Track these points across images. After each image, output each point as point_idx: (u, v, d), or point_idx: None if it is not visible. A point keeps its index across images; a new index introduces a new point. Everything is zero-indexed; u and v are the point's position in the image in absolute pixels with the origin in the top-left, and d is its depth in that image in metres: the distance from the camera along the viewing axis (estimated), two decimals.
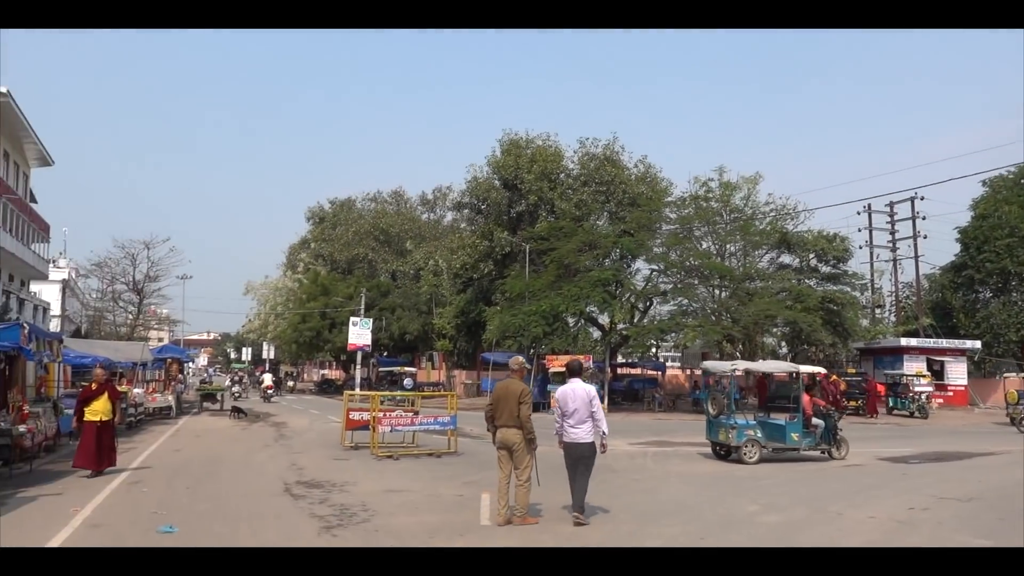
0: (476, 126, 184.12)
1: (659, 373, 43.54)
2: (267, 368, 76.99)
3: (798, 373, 16.13)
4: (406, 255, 59.81)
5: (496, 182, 40.64)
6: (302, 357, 69.33)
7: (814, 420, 15.76)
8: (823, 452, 15.94)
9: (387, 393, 21.56)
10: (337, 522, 9.07)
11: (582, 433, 9.41)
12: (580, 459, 9.49)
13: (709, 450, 16.76)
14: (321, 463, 14.76)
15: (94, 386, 13.09)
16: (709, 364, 18.33)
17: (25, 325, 14.20)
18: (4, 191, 37.10)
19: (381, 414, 15.72)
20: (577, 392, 9.46)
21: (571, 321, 36.65)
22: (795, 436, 15.49)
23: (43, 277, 48.44)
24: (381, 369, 45.60)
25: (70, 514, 9.56)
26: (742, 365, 16.88)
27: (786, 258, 38.21)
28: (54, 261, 55.07)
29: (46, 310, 49.26)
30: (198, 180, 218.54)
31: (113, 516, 9.48)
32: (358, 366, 48.25)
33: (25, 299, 43.84)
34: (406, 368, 43.28)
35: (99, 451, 12.78)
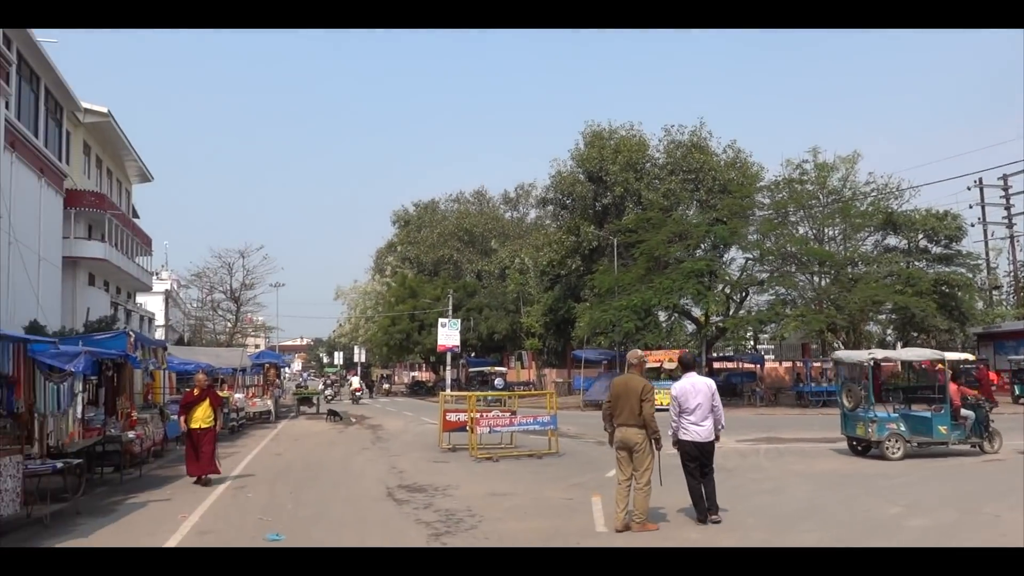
0: (557, 120, 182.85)
1: (757, 366, 41.80)
2: (357, 371, 78.71)
3: (944, 360, 14.80)
4: (491, 254, 59.73)
5: (580, 176, 39.87)
6: (392, 359, 70.27)
7: (963, 411, 14.45)
8: (973, 446, 14.59)
9: (484, 393, 21.18)
10: (445, 529, 8.63)
11: (705, 430, 8.72)
12: (701, 458, 8.81)
13: (834, 447, 15.69)
14: (420, 466, 14.45)
15: (196, 392, 12.88)
16: (842, 354, 17.12)
17: (131, 333, 14.43)
18: (109, 208, 38.69)
19: (479, 415, 15.29)
20: (698, 387, 8.77)
21: (663, 315, 35.60)
22: (943, 429, 14.21)
23: (147, 289, 50.48)
24: (471, 370, 45.53)
25: (178, 520, 9.47)
26: (880, 354, 15.60)
27: (892, 240, 35.94)
28: (157, 274, 57.57)
29: (151, 320, 51.43)
30: (288, 189, 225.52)
31: (220, 522, 9.33)
32: (448, 367, 48.33)
33: (132, 310, 45.83)
34: (496, 368, 43.07)
35: (200, 458, 12.49)
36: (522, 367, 53.75)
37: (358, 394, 44.14)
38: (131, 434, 13.51)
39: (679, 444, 8.85)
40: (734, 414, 28.43)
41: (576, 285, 42.18)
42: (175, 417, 18.75)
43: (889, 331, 42.17)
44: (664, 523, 8.74)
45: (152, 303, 57.96)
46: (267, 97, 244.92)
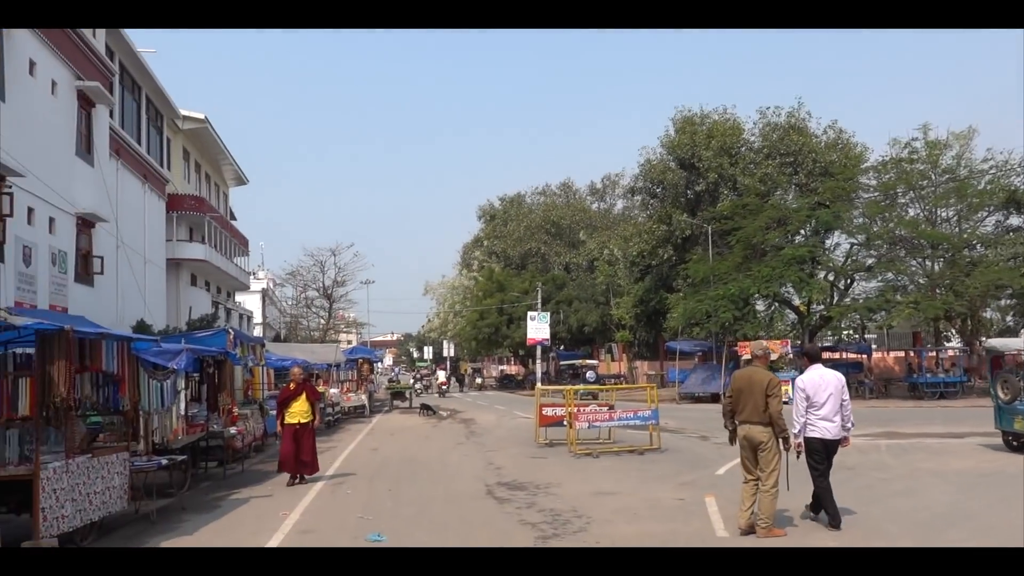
0: (642, 110, 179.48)
1: (864, 356, 39.69)
2: (446, 366, 79.41)
3: None
4: (578, 246, 58.98)
5: (671, 163, 38.70)
6: (481, 353, 70.49)
7: None
8: None
9: (583, 387, 20.63)
10: (552, 531, 8.13)
11: (834, 427, 7.94)
12: (828, 456, 8.05)
13: (964, 442, 14.42)
14: (518, 462, 14.03)
15: (292, 386, 12.38)
16: (997, 343, 15.77)
17: (231, 331, 14.56)
18: (208, 210, 39.96)
19: (577, 409, 14.74)
20: (827, 379, 7.99)
21: (761, 305, 34.17)
22: None
23: (245, 288, 52.10)
24: (562, 363, 44.99)
25: (280, 518, 9.33)
26: None
27: (1015, 219, 33.32)
28: (254, 273, 59.47)
29: (249, 318, 53.10)
30: (376, 187, 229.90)
31: (321, 521, 9.13)
32: (538, 360, 47.96)
33: (231, 308, 47.38)
34: (588, 361, 42.39)
35: (298, 456, 12.00)
36: (612, 360, 52.87)
37: (443, 387, 45.16)
38: (233, 430, 13.61)
39: (806, 441, 8.08)
40: None
41: (668, 275, 41.04)
42: (273, 412, 19.02)
43: (1009, 317, 39.32)
44: (792, 528, 7.99)
45: (250, 302, 59.95)
46: (351, 97, 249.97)
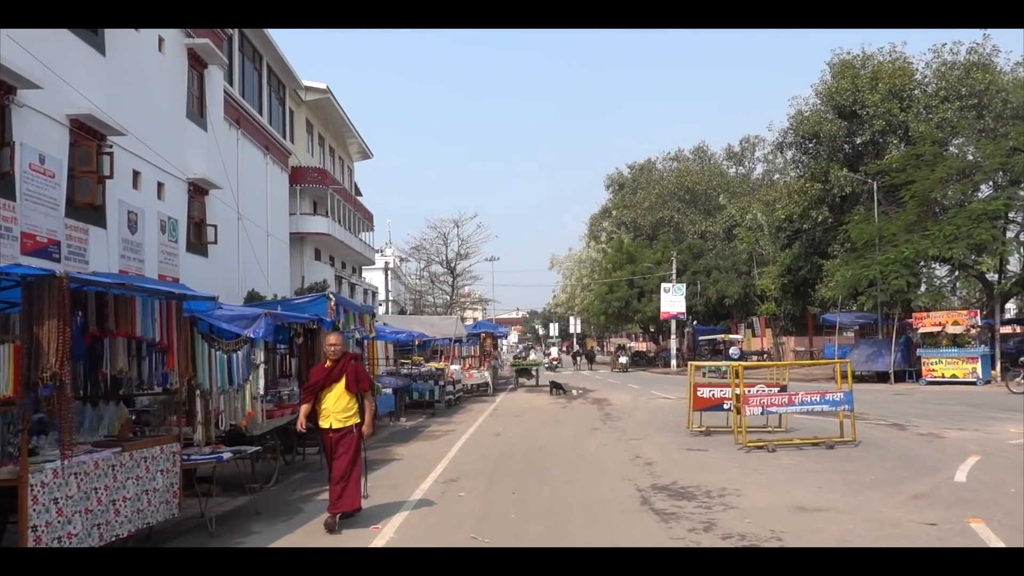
0: (783, 70, 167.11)
1: None
2: (573, 343, 77.01)
3: None
4: (715, 213, 54.71)
5: (828, 113, 34.07)
6: (610, 329, 67.48)
7: None
8: None
9: (753, 364, 17.56)
10: None
11: None
12: None
13: None
14: (673, 455, 11.28)
15: (327, 364, 7.60)
16: None
17: (331, 296, 12.57)
18: (331, 183, 39.11)
19: (749, 391, 11.76)
20: None
21: (941, 271, 29.42)
22: None
23: (370, 263, 51.57)
24: (701, 338, 41.40)
25: (370, 533, 7.09)
26: None
27: None
28: (381, 250, 59.05)
29: (374, 294, 52.58)
30: (499, 160, 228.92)
31: (421, 539, 6.81)
32: (673, 336, 44.63)
33: (356, 283, 46.78)
34: (730, 336, 38.64)
35: (333, 479, 7.45)
36: (753, 335, 48.57)
37: (555, 363, 43.55)
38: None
39: None
40: None
41: (822, 240, 36.54)
42: (387, 391, 17.09)
43: None
44: None
45: (376, 279, 59.70)
46: (476, 70, 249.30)
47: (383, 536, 6.95)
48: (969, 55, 32.73)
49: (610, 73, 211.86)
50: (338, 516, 7.31)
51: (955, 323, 25.96)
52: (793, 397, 11.44)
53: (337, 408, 7.55)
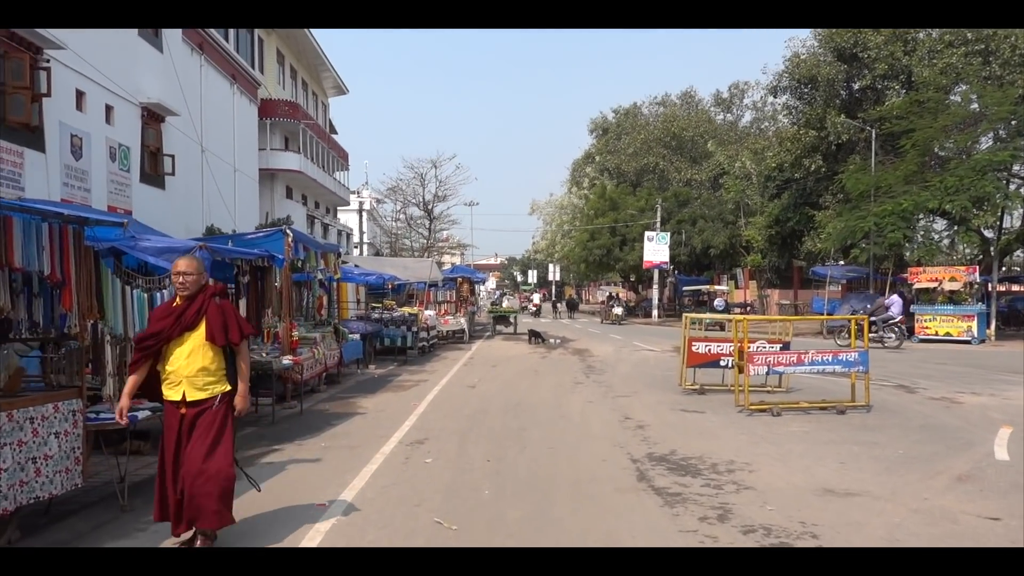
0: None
1: None
2: (549, 291, 76.04)
3: None
4: (701, 161, 53.25)
5: (826, 56, 32.47)
6: (590, 277, 66.47)
7: None
8: None
9: (757, 317, 16.45)
10: None
11: None
12: None
13: None
14: (667, 418, 10.13)
15: (176, 303, 5.14)
16: None
17: (289, 232, 11.15)
18: (303, 118, 37.09)
19: (754, 348, 10.58)
20: None
21: (940, 224, 28.41)
22: None
23: (344, 203, 49.78)
24: (685, 288, 40.35)
25: (315, 510, 5.87)
26: None
27: None
28: (357, 192, 57.06)
29: (348, 235, 50.91)
30: (481, 102, 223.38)
31: (374, 522, 5.59)
32: (655, 285, 43.60)
33: (329, 224, 45.07)
34: (716, 287, 37.60)
35: (180, 486, 4.96)
36: (736, 287, 47.71)
37: (536, 309, 43.66)
38: (287, 359, 10.29)
39: None
40: None
41: (813, 191, 35.32)
42: (354, 336, 15.81)
43: None
44: None
45: (352, 220, 57.85)
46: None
47: (330, 515, 5.72)
48: None
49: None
50: (195, 533, 4.98)
51: (952, 279, 25.02)
52: (803, 356, 10.28)
53: (192, 369, 4.92)
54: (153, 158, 20.56)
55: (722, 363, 11.99)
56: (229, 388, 5.06)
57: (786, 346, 11.83)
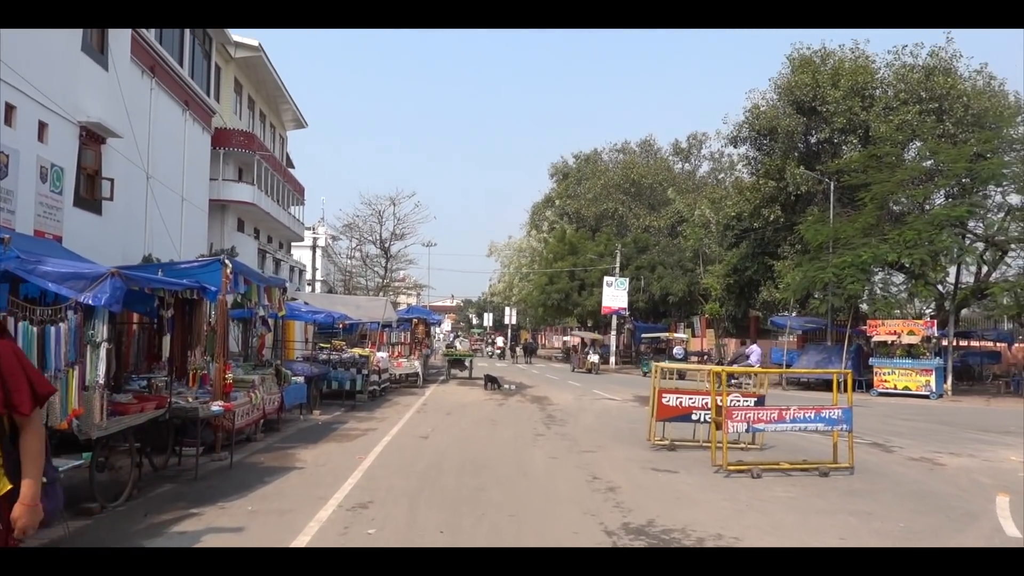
0: (732, 71, 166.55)
1: (1005, 345, 33.59)
2: (508, 335, 75.14)
3: None
4: (659, 208, 53.41)
5: (785, 107, 32.69)
6: (548, 322, 65.81)
7: None
8: None
9: (740, 368, 15.74)
10: None
11: None
12: None
13: None
14: (639, 479, 9.25)
15: None
16: None
17: (227, 263, 10.12)
18: (258, 148, 36.00)
19: (730, 403, 9.80)
20: None
21: (897, 278, 28.41)
22: None
23: (299, 239, 48.46)
24: (645, 336, 39.78)
25: None
26: None
27: None
28: (313, 228, 55.64)
29: (301, 271, 49.47)
30: (438, 143, 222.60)
31: None
32: (613, 332, 43.07)
33: (281, 259, 43.63)
34: (676, 334, 37.14)
35: None
36: (693, 335, 47.46)
37: (498, 351, 42.90)
38: (216, 406, 9.17)
39: None
40: (1002, 405, 21.40)
41: (771, 240, 35.35)
42: (298, 379, 14.69)
43: None
44: None
45: (307, 256, 56.38)
46: (421, 45, 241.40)
47: None
48: (930, 58, 31.88)
49: (557, 64, 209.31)
50: None
51: (911, 333, 24.88)
52: (784, 413, 9.54)
53: None
54: (90, 181, 19.26)
55: (694, 416, 11.20)
56: (9, 488, 3.11)
57: (760, 400, 11.12)
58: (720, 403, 9.41)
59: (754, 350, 28.38)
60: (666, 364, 14.34)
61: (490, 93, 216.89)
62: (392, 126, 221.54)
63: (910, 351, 25.06)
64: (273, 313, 13.18)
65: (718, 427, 9.48)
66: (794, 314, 34.07)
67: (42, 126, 16.97)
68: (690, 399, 11.25)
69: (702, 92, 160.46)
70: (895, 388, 24.87)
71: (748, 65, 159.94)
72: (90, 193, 19.40)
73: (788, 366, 28.24)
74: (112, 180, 20.02)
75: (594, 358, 35.97)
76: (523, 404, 19.47)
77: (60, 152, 17.71)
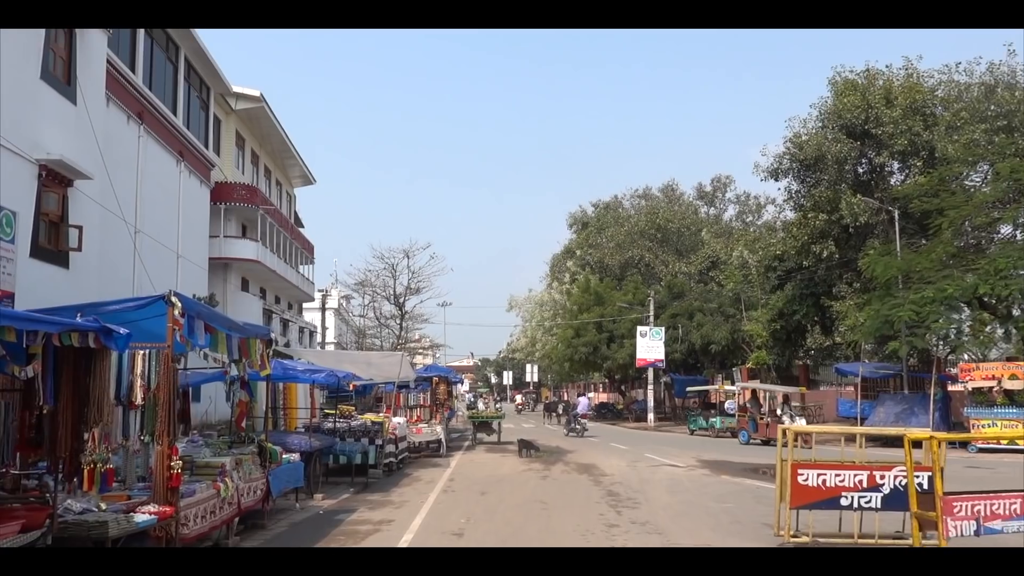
0: (757, 110, 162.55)
1: None
2: (532, 391, 71.54)
3: None
4: (688, 254, 50.39)
5: (834, 133, 29.70)
6: (572, 377, 62.25)
7: None
8: None
9: (884, 431, 12.45)
10: None
11: None
12: None
13: None
14: None
15: None
16: None
17: (175, 302, 7.09)
18: (262, 203, 33.47)
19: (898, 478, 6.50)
20: None
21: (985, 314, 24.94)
22: None
23: (309, 299, 45.75)
24: (689, 389, 36.18)
25: None
26: None
27: None
28: (326, 291, 52.81)
29: (312, 333, 46.49)
30: (453, 195, 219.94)
31: None
32: (650, 385, 39.52)
33: (290, 320, 40.71)
34: (726, 386, 33.50)
35: None
36: (731, 385, 43.69)
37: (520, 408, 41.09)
38: (145, 512, 5.97)
39: None
40: None
41: (824, 279, 32.05)
42: (291, 456, 11.49)
43: None
44: None
45: (317, 318, 53.43)
46: (430, 93, 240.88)
47: None
48: (987, 74, 29.07)
49: (571, 113, 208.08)
50: None
51: (1013, 377, 21.36)
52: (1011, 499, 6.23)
53: None
54: (53, 229, 16.44)
55: (844, 501, 7.87)
56: None
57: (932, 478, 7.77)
58: (922, 483, 6.10)
59: (582, 401, 32.44)
60: (799, 427, 10.93)
61: (503, 141, 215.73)
62: (404, 179, 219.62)
63: (1012, 398, 21.50)
64: (254, 374, 10.06)
65: (920, 527, 6.14)
66: (865, 361, 30.46)
67: None
68: (838, 476, 7.91)
69: (723, 136, 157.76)
70: (997, 442, 21.21)
71: (757, 108, 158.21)
72: (53, 243, 16.49)
73: (862, 420, 24.66)
74: (80, 228, 17.09)
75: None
76: (570, 475, 16.08)
77: (10, 194, 14.77)
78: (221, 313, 9.50)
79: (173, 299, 7.13)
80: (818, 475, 7.98)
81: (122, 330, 5.51)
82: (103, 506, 5.91)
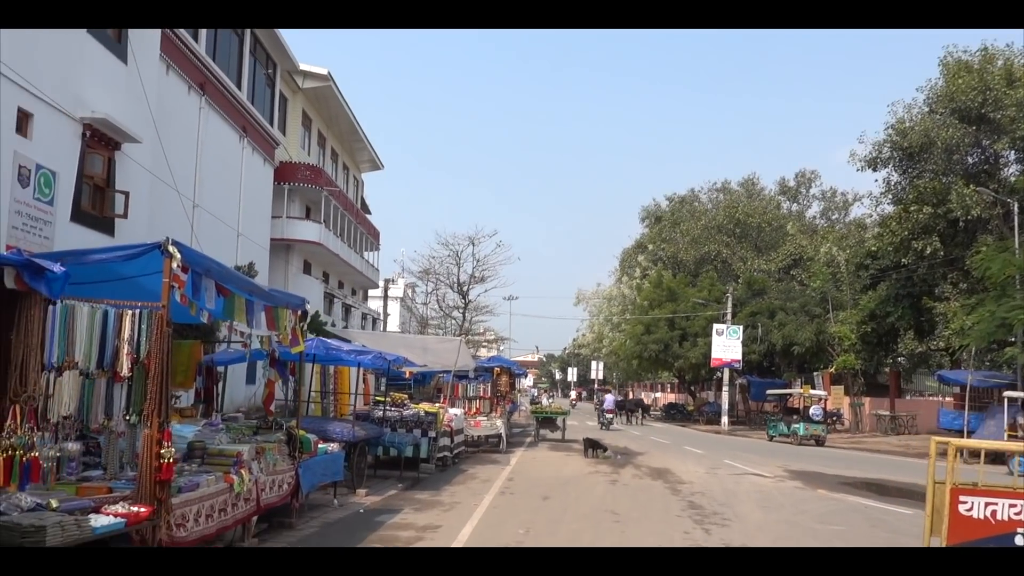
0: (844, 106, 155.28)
1: None
2: (595, 388, 69.47)
3: None
4: (767, 251, 47.65)
5: (944, 117, 26.91)
6: (640, 375, 60.02)
7: None
8: None
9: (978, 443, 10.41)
10: None
11: None
12: None
13: None
14: None
15: None
16: None
17: (175, 252, 5.72)
18: (326, 184, 32.51)
19: None
20: None
21: None
22: None
23: (374, 286, 44.87)
24: (769, 392, 33.78)
25: None
26: None
27: None
28: (392, 280, 51.96)
29: (375, 320, 45.69)
30: (524, 189, 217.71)
31: None
32: (725, 387, 37.19)
33: (352, 305, 39.89)
34: (813, 391, 30.99)
35: None
36: (811, 390, 40.87)
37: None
38: (111, 513, 4.60)
39: None
40: None
41: (925, 279, 29.27)
42: (330, 446, 10.13)
43: None
44: None
45: (382, 305, 52.74)
46: (505, 84, 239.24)
47: None
48: None
49: (645, 106, 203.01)
50: None
51: None
52: None
53: None
54: (98, 193, 15.58)
55: (1019, 540, 5.97)
56: None
57: None
58: None
59: (608, 398, 32.84)
60: (966, 442, 8.98)
61: (575, 133, 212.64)
62: (473, 170, 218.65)
63: None
64: (284, 349, 8.69)
65: None
66: (970, 368, 27.58)
67: (24, 116, 13.29)
68: (1013, 508, 6.01)
69: (802, 135, 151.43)
70: None
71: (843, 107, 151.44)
72: (97, 208, 15.63)
73: (970, 433, 22.06)
74: (127, 194, 16.20)
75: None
76: (643, 481, 14.34)
77: (51, 152, 13.91)
78: (243, 275, 8.13)
79: (171, 248, 5.75)
80: (987, 505, 6.07)
81: (56, 268, 4.12)
82: (54, 503, 4.54)
